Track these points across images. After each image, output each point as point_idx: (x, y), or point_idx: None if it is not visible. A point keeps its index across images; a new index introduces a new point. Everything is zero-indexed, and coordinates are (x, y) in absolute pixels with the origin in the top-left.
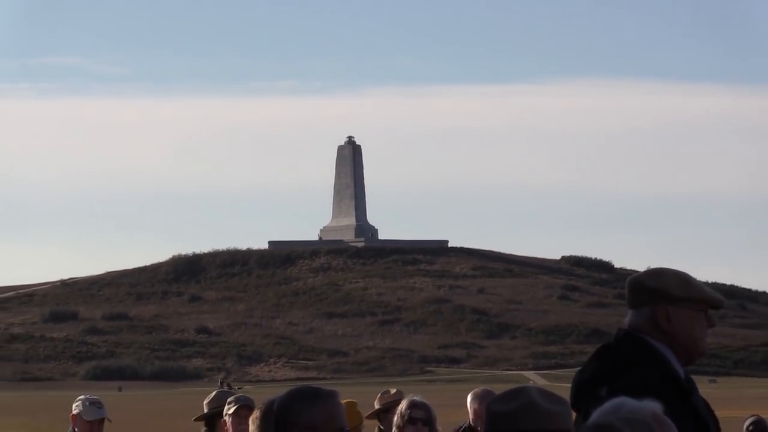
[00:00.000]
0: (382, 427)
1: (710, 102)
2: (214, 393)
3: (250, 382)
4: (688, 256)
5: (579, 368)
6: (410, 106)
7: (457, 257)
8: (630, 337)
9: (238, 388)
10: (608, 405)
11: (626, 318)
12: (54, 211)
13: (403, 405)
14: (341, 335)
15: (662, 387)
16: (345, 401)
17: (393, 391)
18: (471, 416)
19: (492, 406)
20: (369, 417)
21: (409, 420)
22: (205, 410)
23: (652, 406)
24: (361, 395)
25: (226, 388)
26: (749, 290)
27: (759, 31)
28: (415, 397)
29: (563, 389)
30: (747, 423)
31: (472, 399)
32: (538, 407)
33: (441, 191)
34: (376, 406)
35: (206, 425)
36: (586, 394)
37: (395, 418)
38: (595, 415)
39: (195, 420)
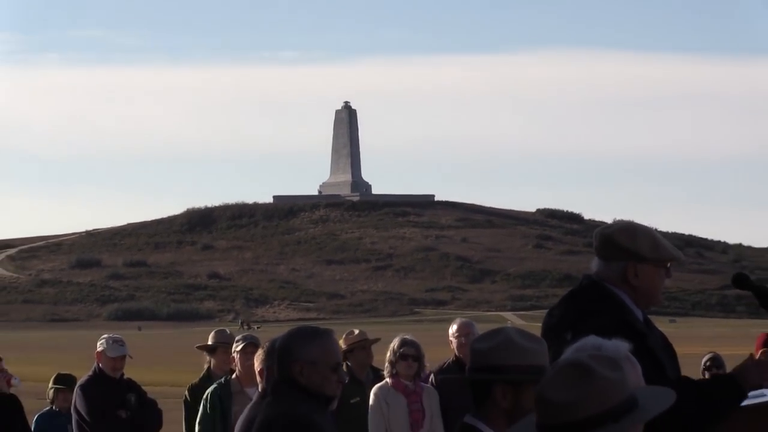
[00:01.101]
0: (349, 363)
1: (668, 71)
2: (215, 330)
3: (255, 322)
4: (650, 209)
5: (548, 312)
6: (400, 73)
7: (442, 209)
8: (595, 285)
9: (258, 327)
10: (580, 343)
11: (593, 265)
12: (80, 169)
13: (395, 343)
14: (338, 280)
15: (621, 332)
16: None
17: (356, 332)
18: (454, 346)
19: (474, 344)
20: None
21: (400, 356)
22: (210, 342)
23: (620, 345)
24: None
25: (246, 328)
26: (705, 239)
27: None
28: (406, 336)
29: (538, 329)
30: (705, 359)
31: (454, 331)
32: (515, 345)
33: (428, 150)
34: (342, 347)
35: (209, 355)
36: (553, 337)
37: (388, 354)
38: (568, 352)
39: (197, 347)
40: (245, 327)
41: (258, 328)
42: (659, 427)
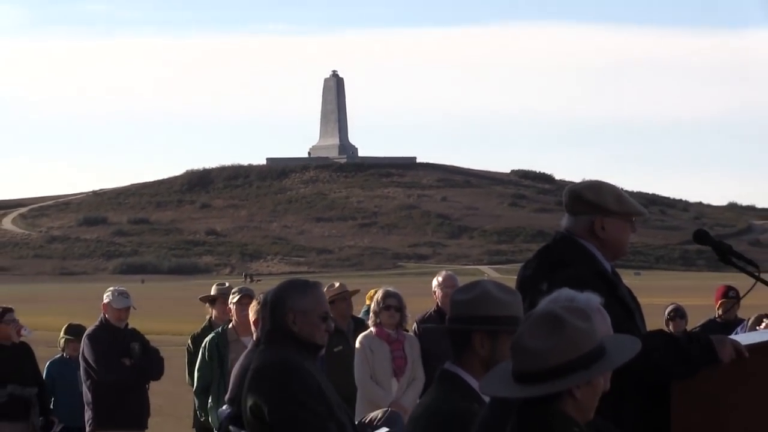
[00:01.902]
0: (331, 315)
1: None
2: (216, 283)
3: (258, 275)
4: (616, 169)
5: (523, 264)
6: (385, 44)
7: (424, 171)
8: (567, 239)
9: (259, 281)
10: (554, 295)
11: (563, 221)
12: (88, 134)
13: (379, 294)
14: (327, 236)
15: (593, 281)
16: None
17: (337, 284)
18: (438, 297)
19: (454, 296)
20: None
21: (384, 307)
22: (212, 293)
23: (591, 297)
24: None
25: (249, 280)
26: (668, 198)
27: None
28: (389, 288)
29: (513, 281)
30: (668, 309)
31: (439, 282)
32: (492, 296)
33: (411, 115)
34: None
35: (211, 306)
36: (529, 287)
37: (372, 305)
38: (543, 303)
39: (200, 299)
40: (248, 280)
41: (259, 281)
42: (634, 375)
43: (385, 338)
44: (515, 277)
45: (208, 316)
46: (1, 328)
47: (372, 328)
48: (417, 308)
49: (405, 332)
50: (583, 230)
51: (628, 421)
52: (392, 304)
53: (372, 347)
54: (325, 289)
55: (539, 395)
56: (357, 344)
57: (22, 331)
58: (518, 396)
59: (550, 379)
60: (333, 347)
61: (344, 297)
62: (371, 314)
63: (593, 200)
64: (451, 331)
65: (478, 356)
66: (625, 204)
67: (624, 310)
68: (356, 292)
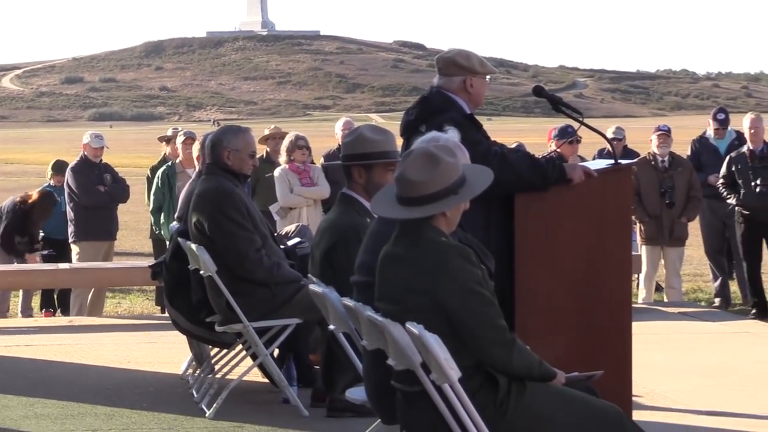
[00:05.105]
0: (268, 149)
1: None
2: (171, 127)
3: (194, 122)
4: (474, 38)
5: (406, 110)
6: None
7: (327, 41)
8: (441, 93)
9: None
10: (424, 137)
11: (435, 80)
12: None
13: (291, 136)
14: (253, 92)
15: (465, 123)
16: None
17: (273, 126)
18: (339, 138)
19: (343, 139)
20: (260, 141)
21: (297, 147)
22: (168, 133)
23: (453, 136)
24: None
25: (215, 125)
26: (512, 61)
27: None
28: (298, 133)
29: (396, 125)
30: (512, 146)
31: (341, 126)
32: (366, 138)
33: None
34: (265, 132)
35: (166, 144)
36: (411, 129)
37: (286, 144)
38: (416, 143)
39: (158, 138)
40: (215, 124)
41: (219, 125)
42: (502, 186)
43: (295, 170)
44: (398, 122)
45: (163, 153)
46: None
47: (285, 165)
48: (323, 146)
49: (311, 165)
50: (457, 87)
51: (495, 226)
52: (303, 144)
53: (288, 177)
54: (268, 130)
55: (420, 216)
56: (275, 174)
57: None
58: (404, 217)
59: (427, 203)
60: (265, 173)
61: (276, 135)
62: (283, 153)
63: (464, 64)
64: (342, 166)
65: (358, 184)
66: (486, 66)
67: (489, 144)
68: (286, 134)
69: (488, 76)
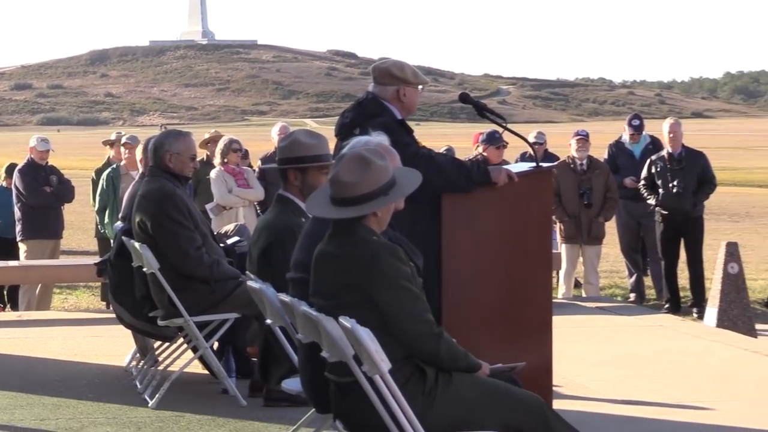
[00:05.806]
0: (208, 153)
1: None
2: (115, 131)
3: (137, 126)
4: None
5: (341, 114)
6: None
7: (264, 50)
8: (376, 100)
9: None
10: (354, 140)
11: (370, 88)
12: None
13: (225, 140)
14: (193, 98)
15: (396, 127)
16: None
17: (213, 131)
18: (275, 142)
19: (279, 144)
20: (200, 145)
21: (231, 149)
22: (112, 137)
23: (382, 140)
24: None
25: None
26: (440, 69)
27: None
28: (232, 136)
29: (331, 129)
30: (442, 150)
31: (277, 131)
32: (300, 142)
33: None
34: (205, 137)
35: (110, 148)
36: (345, 132)
37: (221, 146)
38: (348, 146)
39: (102, 142)
40: (163, 129)
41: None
42: (429, 187)
43: (230, 172)
44: (331, 126)
45: (107, 156)
46: None
47: (220, 167)
48: (260, 150)
49: (245, 168)
50: (390, 96)
51: (421, 224)
52: (238, 148)
53: (224, 177)
54: (206, 135)
55: (352, 216)
56: (212, 175)
57: None
58: (337, 217)
59: (359, 203)
60: (205, 175)
61: (216, 139)
62: (218, 155)
63: (398, 75)
64: (279, 169)
65: (293, 186)
66: (418, 77)
67: (417, 148)
68: (223, 136)
69: (420, 86)
